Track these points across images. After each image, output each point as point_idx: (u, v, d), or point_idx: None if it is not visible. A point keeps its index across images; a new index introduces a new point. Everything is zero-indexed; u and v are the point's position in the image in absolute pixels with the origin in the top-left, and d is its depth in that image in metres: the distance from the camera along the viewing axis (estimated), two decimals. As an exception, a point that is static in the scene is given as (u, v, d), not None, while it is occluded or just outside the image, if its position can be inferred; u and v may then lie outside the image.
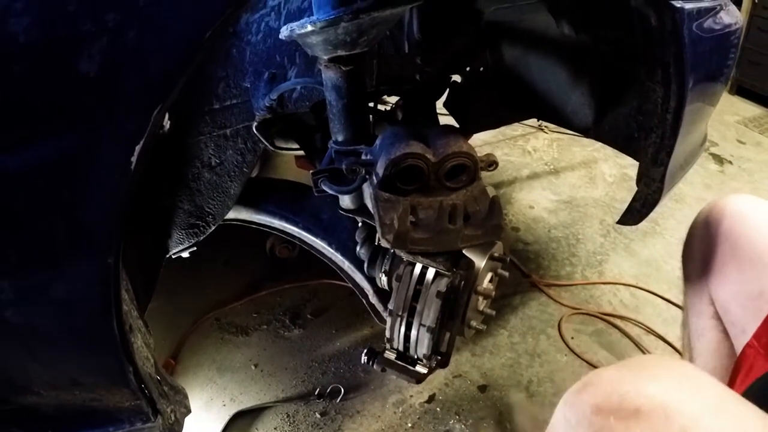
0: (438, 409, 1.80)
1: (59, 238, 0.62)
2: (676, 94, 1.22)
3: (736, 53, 1.42)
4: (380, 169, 0.99)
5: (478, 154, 1.08)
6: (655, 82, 1.25)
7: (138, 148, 0.57)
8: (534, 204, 2.87)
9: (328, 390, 1.83)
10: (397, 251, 1.14)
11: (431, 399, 1.82)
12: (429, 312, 1.09)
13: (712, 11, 1.27)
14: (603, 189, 3.00)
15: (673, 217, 2.77)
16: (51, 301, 0.68)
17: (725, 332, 1.13)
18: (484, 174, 1.08)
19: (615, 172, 3.09)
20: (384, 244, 1.00)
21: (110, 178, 0.59)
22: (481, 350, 1.99)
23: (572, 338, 2.06)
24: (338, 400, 1.81)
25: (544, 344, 2.04)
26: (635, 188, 1.45)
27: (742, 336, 1.04)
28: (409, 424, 1.75)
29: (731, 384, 1.05)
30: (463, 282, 1.12)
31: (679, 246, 2.57)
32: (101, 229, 0.62)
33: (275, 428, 1.73)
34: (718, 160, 3.42)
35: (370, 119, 1.44)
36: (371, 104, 1.46)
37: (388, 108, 1.66)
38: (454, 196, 1.03)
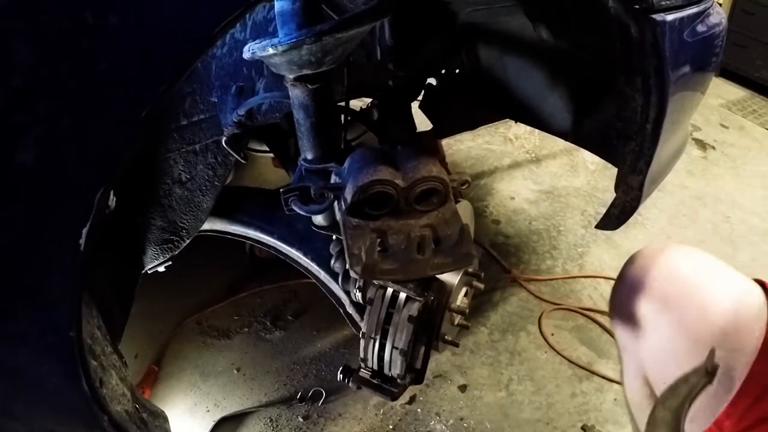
0: (419, 410, 1.80)
1: (20, 320, 0.62)
2: (656, 105, 1.20)
3: (722, 48, 1.40)
4: (348, 195, 0.97)
5: (450, 174, 1.06)
6: (635, 90, 1.23)
7: (85, 230, 0.56)
8: (515, 194, 2.86)
9: (310, 393, 1.83)
10: (368, 278, 1.13)
11: (412, 400, 1.83)
12: (401, 335, 1.08)
13: (697, 18, 1.25)
14: (584, 177, 2.99)
15: (655, 206, 2.77)
16: (20, 376, 0.68)
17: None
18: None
19: (597, 159, 3.02)
20: (352, 274, 0.98)
21: (62, 262, 0.59)
22: (462, 349, 1.99)
23: (552, 335, 2.07)
24: (320, 403, 1.81)
25: (524, 341, 2.05)
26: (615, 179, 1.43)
27: (691, 424, 0.93)
28: (391, 426, 1.75)
29: None
30: (436, 302, 1.11)
31: (660, 236, 2.60)
32: (59, 308, 0.62)
33: (258, 433, 1.73)
34: (701, 145, 3.42)
35: (343, 120, 1.42)
36: (343, 104, 1.43)
37: (363, 107, 1.64)
38: (425, 219, 1.01)
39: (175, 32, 0.54)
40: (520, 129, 3.35)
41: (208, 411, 1.79)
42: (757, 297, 0.95)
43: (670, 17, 1.14)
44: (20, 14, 0.49)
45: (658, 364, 0.97)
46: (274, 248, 1.55)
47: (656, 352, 1.01)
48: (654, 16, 1.11)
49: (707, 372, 0.87)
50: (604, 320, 2.11)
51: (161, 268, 1.44)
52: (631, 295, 1.07)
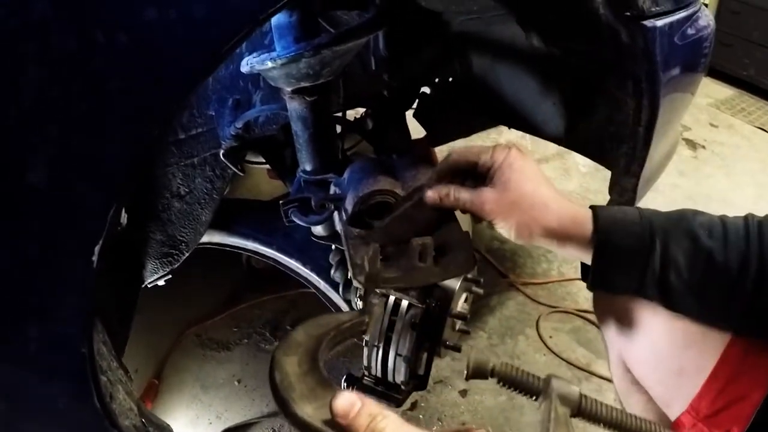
0: (421, 416, 1.81)
1: (32, 341, 0.62)
2: (647, 108, 1.22)
3: (710, 50, 1.41)
4: (349, 205, 0.99)
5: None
6: (626, 94, 1.25)
7: (97, 248, 0.57)
8: (510, 199, 2.85)
9: (311, 402, 1.83)
10: (370, 287, 1.13)
11: (414, 406, 1.83)
12: (404, 342, 1.09)
13: (687, 21, 1.26)
14: (577, 180, 3.01)
15: (647, 206, 2.78)
16: (32, 396, 0.69)
17: (647, 394, 1.03)
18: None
19: (589, 162, 3.04)
20: (355, 284, 0.99)
21: (75, 280, 0.59)
22: (462, 354, 1.98)
23: (550, 337, 2.08)
24: (322, 412, 1.81)
25: (522, 345, 2.06)
26: (609, 179, 1.44)
27: (668, 409, 0.96)
28: (393, 433, 1.75)
29: None
30: (437, 309, 1.12)
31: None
32: (71, 325, 0.62)
33: (261, 444, 1.74)
34: (692, 145, 3.45)
35: (338, 131, 1.43)
36: (339, 114, 1.45)
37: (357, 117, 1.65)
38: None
39: (186, 51, 0.55)
40: (512, 135, 3.33)
41: (211, 423, 1.79)
42: None
43: (660, 23, 1.16)
44: (32, 36, 0.50)
45: (633, 350, 0.97)
46: (273, 259, 1.56)
47: (627, 336, 0.99)
48: (644, 22, 1.12)
49: None
50: (602, 322, 2.13)
51: (161, 282, 1.45)
52: None
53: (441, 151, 3.03)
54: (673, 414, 0.93)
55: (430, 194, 0.93)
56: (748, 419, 0.82)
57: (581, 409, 0.71)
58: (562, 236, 0.90)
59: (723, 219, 0.85)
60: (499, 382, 0.75)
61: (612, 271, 0.88)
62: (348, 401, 0.59)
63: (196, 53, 0.55)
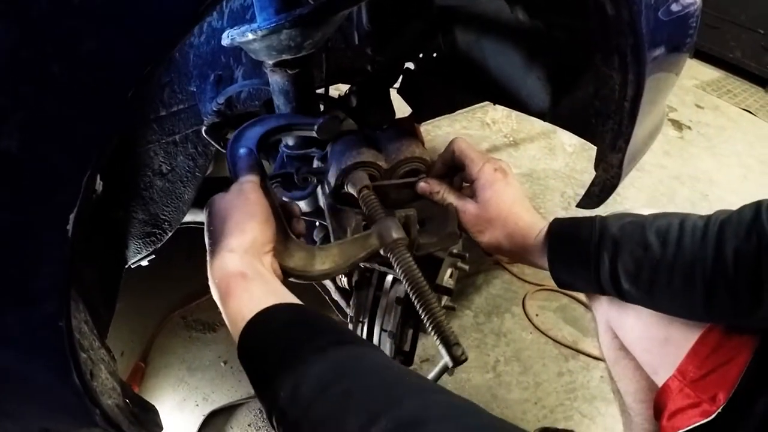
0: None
1: (7, 316, 0.60)
2: (633, 82, 1.21)
3: (696, 28, 1.41)
4: (332, 178, 0.98)
5: (431, 156, 1.07)
6: (612, 68, 1.24)
7: (72, 216, 0.55)
8: (495, 179, 2.85)
9: (298, 382, 1.82)
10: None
11: (401, 385, 1.83)
12: (389, 318, 1.09)
13: (673, -4, 1.26)
14: (563, 160, 3.01)
15: (633, 186, 2.80)
16: (10, 373, 0.68)
17: (635, 360, 1.07)
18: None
19: (574, 141, 3.10)
20: (339, 257, 0.98)
21: (50, 250, 0.57)
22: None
23: (537, 315, 2.09)
24: (308, 392, 1.80)
25: (509, 323, 2.06)
26: (595, 155, 1.44)
27: (655, 376, 0.99)
28: (380, 412, 1.75)
29: (659, 412, 0.98)
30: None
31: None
32: (48, 298, 0.61)
33: (249, 425, 1.73)
34: (677, 125, 3.45)
35: (321, 109, 1.41)
36: (322, 91, 1.43)
37: (342, 94, 1.63)
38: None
39: (161, 9, 0.53)
40: (498, 113, 3.36)
41: (197, 405, 1.78)
42: None
43: (647, -5, 1.15)
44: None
45: (621, 319, 1.01)
46: (258, 238, 1.54)
47: (614, 305, 1.03)
48: (630, -7, 1.11)
49: None
50: (588, 300, 2.14)
51: (144, 263, 1.43)
52: None
53: (426, 130, 3.02)
54: (659, 380, 0.95)
55: (423, 186, 1.03)
56: (733, 383, 0.83)
57: (388, 248, 0.85)
58: (523, 251, 0.98)
59: (684, 222, 0.85)
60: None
61: (568, 276, 0.95)
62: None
63: (174, 12, 0.53)
